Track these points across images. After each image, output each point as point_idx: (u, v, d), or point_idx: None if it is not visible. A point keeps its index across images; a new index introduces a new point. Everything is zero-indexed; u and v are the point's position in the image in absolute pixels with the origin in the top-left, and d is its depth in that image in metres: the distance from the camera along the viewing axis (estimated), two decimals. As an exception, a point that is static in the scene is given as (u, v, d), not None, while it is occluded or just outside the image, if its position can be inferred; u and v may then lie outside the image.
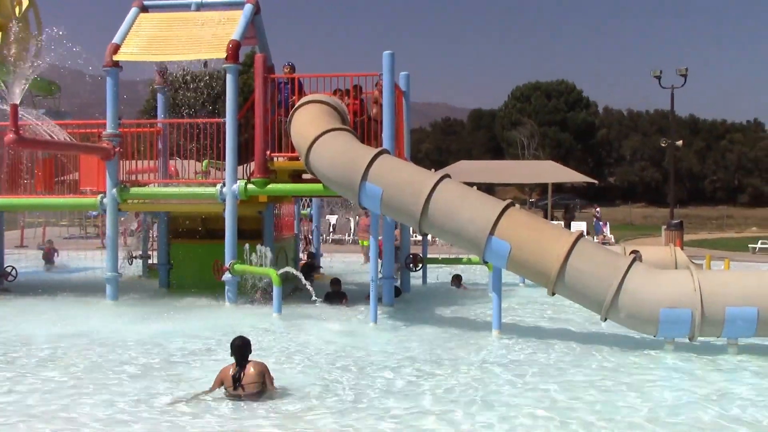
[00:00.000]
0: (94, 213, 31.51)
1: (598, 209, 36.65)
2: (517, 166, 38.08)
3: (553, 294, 10.49)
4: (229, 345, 7.62)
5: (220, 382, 7.47)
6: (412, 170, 11.72)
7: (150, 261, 17.75)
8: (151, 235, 18.24)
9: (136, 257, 17.27)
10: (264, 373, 7.41)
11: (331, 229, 32.23)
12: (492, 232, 10.52)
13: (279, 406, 7.18)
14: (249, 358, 7.51)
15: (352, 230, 31.28)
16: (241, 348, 7.47)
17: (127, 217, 19.31)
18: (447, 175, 11.26)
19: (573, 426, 6.73)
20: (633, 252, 11.95)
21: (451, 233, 11.04)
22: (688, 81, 33.99)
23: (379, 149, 11.80)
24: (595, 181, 37.83)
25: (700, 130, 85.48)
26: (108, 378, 8.33)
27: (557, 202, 44.42)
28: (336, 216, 32.87)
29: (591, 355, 9.71)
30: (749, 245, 30.54)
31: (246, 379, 7.30)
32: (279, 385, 7.60)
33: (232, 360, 7.50)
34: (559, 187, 39.86)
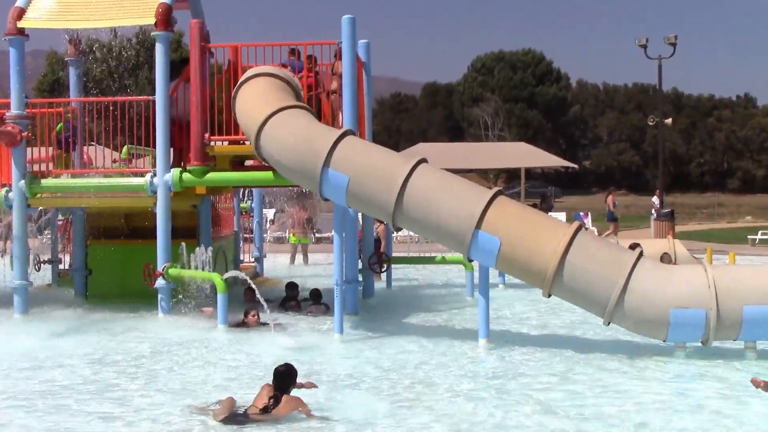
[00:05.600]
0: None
1: (656, 199, 34.36)
2: (486, 148, 38.38)
3: (549, 296, 10.61)
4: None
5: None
6: (383, 154, 11.70)
7: (61, 266, 17.42)
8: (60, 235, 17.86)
9: (44, 262, 16.90)
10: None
11: (268, 225, 31.97)
12: (478, 226, 10.56)
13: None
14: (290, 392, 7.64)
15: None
16: (281, 376, 7.61)
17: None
18: (423, 160, 11.27)
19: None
20: (633, 245, 12.15)
21: (430, 227, 11.07)
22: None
23: (343, 130, 11.74)
24: (575, 166, 38.41)
25: (685, 106, 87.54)
26: (22, 410, 8.11)
27: (529, 190, 44.98)
28: (273, 210, 32.60)
29: (593, 365, 9.86)
30: (748, 236, 31.36)
31: (276, 412, 7.39)
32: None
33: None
34: (526, 174, 40.22)
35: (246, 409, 7.48)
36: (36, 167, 14.25)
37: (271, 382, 7.65)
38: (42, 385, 9.04)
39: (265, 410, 7.36)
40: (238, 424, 7.32)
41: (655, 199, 34.26)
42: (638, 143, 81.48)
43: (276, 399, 7.42)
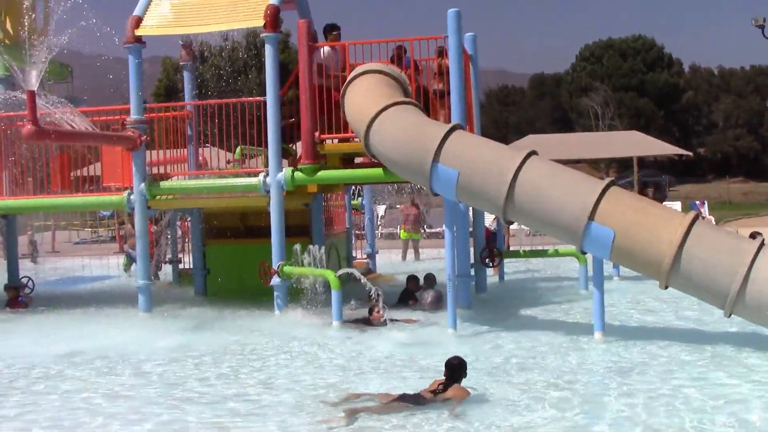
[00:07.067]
0: (106, 213, 32.05)
1: None
2: (596, 138, 37.46)
3: (666, 287, 10.32)
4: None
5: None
6: (492, 148, 11.60)
7: (180, 265, 17.98)
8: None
9: (165, 262, 17.48)
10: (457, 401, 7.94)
11: (379, 222, 32.17)
12: (591, 217, 10.36)
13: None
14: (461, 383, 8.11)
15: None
16: (452, 367, 8.15)
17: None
18: (534, 152, 11.13)
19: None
20: (754, 234, 11.72)
21: (542, 220, 10.92)
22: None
23: (452, 124, 11.70)
24: (689, 153, 37.17)
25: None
26: (154, 405, 8.43)
27: (642, 179, 43.83)
28: (384, 206, 32.78)
29: (715, 359, 9.56)
30: None
31: (442, 396, 7.94)
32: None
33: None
34: (639, 162, 39.24)
35: (420, 392, 8.05)
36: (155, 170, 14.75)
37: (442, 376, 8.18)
38: (169, 383, 9.32)
39: (434, 393, 7.94)
40: (413, 403, 7.80)
41: None
42: (756, 128, 78.36)
43: (445, 386, 7.98)
